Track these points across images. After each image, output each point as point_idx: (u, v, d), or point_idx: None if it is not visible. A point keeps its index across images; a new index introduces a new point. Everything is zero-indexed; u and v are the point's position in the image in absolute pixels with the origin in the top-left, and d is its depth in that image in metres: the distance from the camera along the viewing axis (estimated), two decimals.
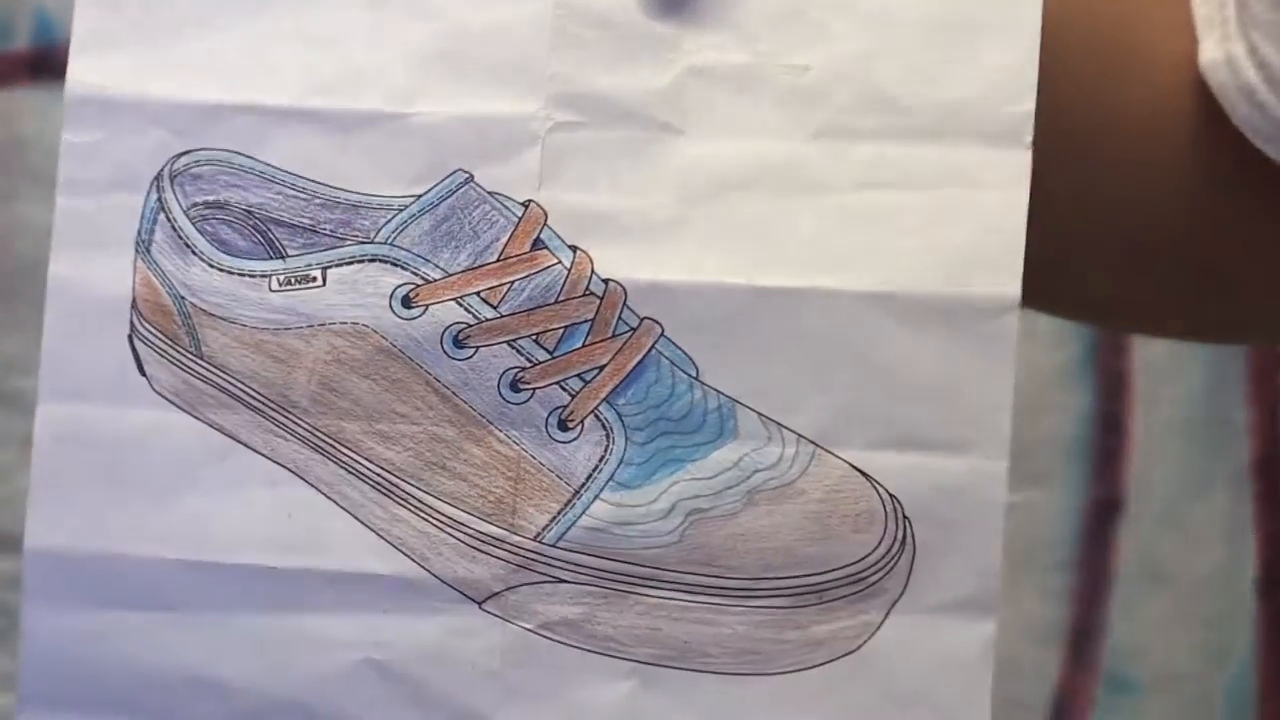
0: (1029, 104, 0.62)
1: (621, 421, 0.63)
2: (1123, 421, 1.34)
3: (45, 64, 1.25)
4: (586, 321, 0.63)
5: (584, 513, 0.63)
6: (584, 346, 0.63)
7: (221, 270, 0.65)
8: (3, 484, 1.24)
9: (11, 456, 1.24)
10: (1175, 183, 0.64)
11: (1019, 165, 0.62)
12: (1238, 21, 0.62)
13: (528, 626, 0.63)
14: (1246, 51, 0.62)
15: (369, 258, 0.64)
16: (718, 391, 0.63)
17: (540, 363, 0.63)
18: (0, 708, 1.25)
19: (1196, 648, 1.34)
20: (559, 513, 0.63)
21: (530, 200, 0.63)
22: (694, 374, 0.63)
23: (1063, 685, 1.35)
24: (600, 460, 0.63)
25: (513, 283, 0.63)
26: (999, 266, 0.62)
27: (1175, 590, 1.34)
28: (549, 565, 0.63)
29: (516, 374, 0.63)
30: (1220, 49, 0.63)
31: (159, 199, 0.65)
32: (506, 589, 0.63)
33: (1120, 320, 0.79)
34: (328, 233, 0.64)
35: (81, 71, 0.65)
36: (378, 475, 0.64)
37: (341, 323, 0.64)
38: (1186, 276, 0.66)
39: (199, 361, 0.65)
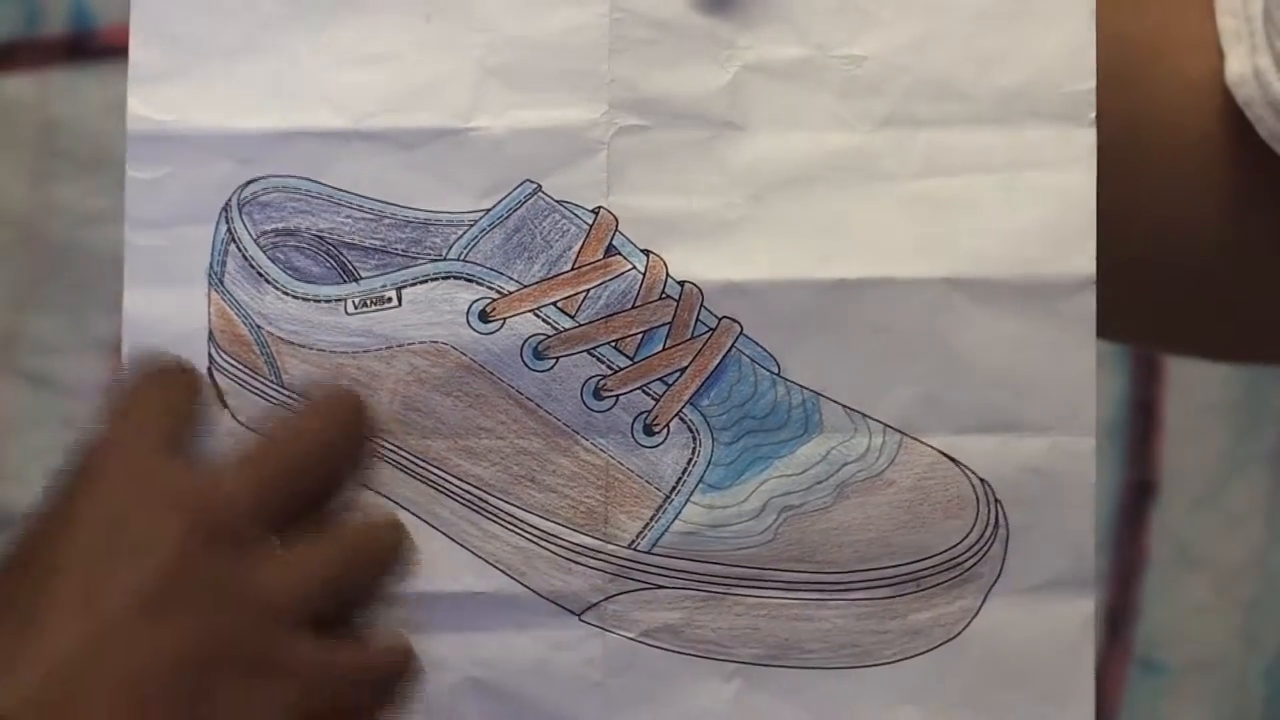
0: (1089, 81, 0.62)
1: (707, 423, 0.63)
2: (1156, 404, 1.34)
3: (80, 47, 1.25)
4: (665, 325, 0.63)
5: (676, 517, 0.63)
6: (664, 350, 0.63)
7: (296, 297, 0.65)
8: (38, 464, 1.22)
9: (47, 437, 1.22)
10: (1202, 197, 0.64)
11: (1084, 143, 0.62)
12: (1264, 35, 0.62)
13: (628, 635, 0.63)
14: (1273, 65, 0.62)
15: (443, 275, 0.64)
16: (800, 386, 0.63)
17: (622, 369, 0.63)
18: None
19: (1231, 632, 1.34)
20: (651, 519, 0.63)
21: (600, 207, 0.63)
22: (775, 370, 0.63)
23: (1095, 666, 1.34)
24: (689, 463, 0.63)
25: (588, 291, 0.63)
26: (1072, 245, 0.62)
27: (1209, 574, 1.34)
28: (645, 572, 0.63)
29: (598, 382, 0.63)
30: (1247, 63, 0.63)
31: (229, 229, 0.65)
32: (604, 599, 0.63)
33: (1145, 336, 0.79)
34: (399, 252, 0.64)
35: (141, 106, 0.65)
36: (467, 492, 0.64)
37: (420, 342, 0.63)
38: (1213, 292, 0.66)
39: (280, 390, 0.65)
